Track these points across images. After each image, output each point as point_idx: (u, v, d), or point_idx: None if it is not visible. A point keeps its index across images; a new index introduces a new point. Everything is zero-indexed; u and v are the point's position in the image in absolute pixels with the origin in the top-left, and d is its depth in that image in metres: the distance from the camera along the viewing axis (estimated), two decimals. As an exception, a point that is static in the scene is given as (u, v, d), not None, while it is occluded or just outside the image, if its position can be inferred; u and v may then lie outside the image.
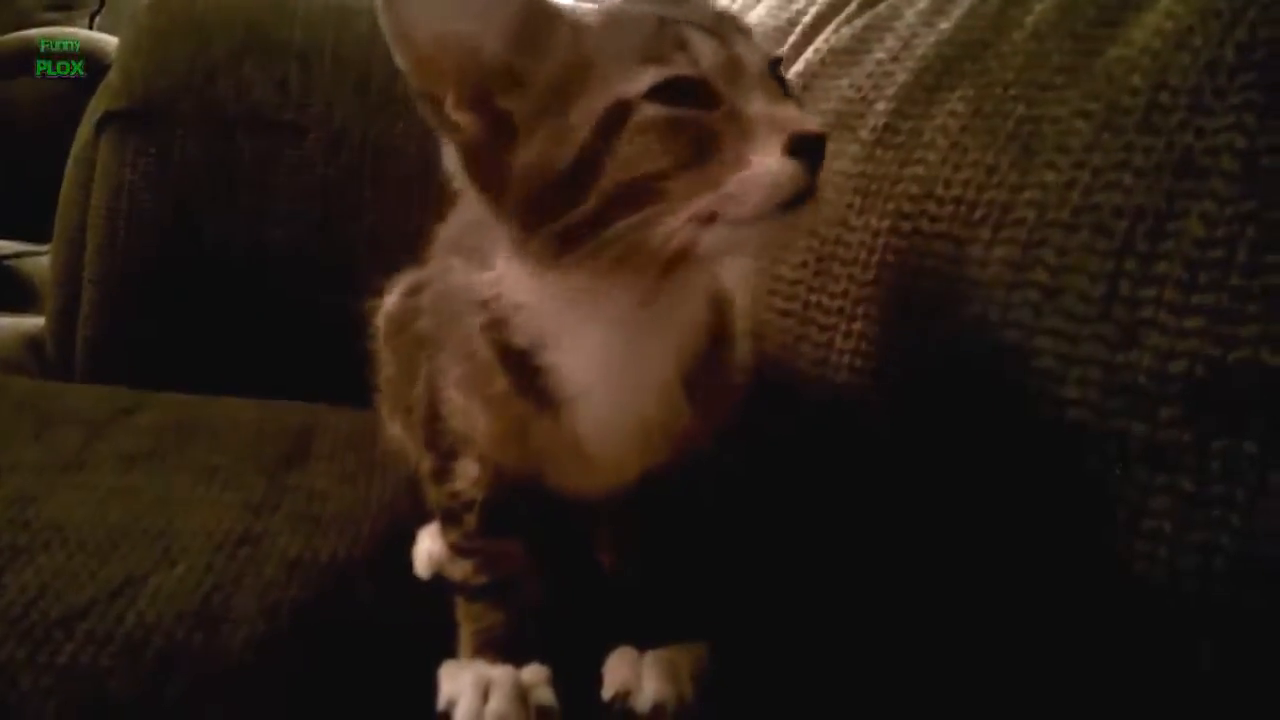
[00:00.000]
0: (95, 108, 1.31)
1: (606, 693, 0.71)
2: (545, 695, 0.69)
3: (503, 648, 0.72)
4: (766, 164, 0.60)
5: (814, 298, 0.80)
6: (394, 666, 0.73)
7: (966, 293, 0.68)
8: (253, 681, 0.72)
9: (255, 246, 1.26)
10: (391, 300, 0.87)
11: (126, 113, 1.26)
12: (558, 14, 0.65)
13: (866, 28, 0.85)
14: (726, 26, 0.64)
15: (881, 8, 0.85)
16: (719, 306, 0.71)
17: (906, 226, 0.73)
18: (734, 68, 0.62)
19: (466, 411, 0.71)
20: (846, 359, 0.75)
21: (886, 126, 0.78)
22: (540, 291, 0.66)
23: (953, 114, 0.73)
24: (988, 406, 0.66)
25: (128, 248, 1.28)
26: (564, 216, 0.62)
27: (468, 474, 0.75)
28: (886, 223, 0.75)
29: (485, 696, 0.68)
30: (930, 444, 0.69)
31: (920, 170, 0.74)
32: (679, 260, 0.61)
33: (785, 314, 0.82)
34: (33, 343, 1.46)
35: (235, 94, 1.27)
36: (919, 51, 0.79)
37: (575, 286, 0.64)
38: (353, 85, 1.29)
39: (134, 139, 1.26)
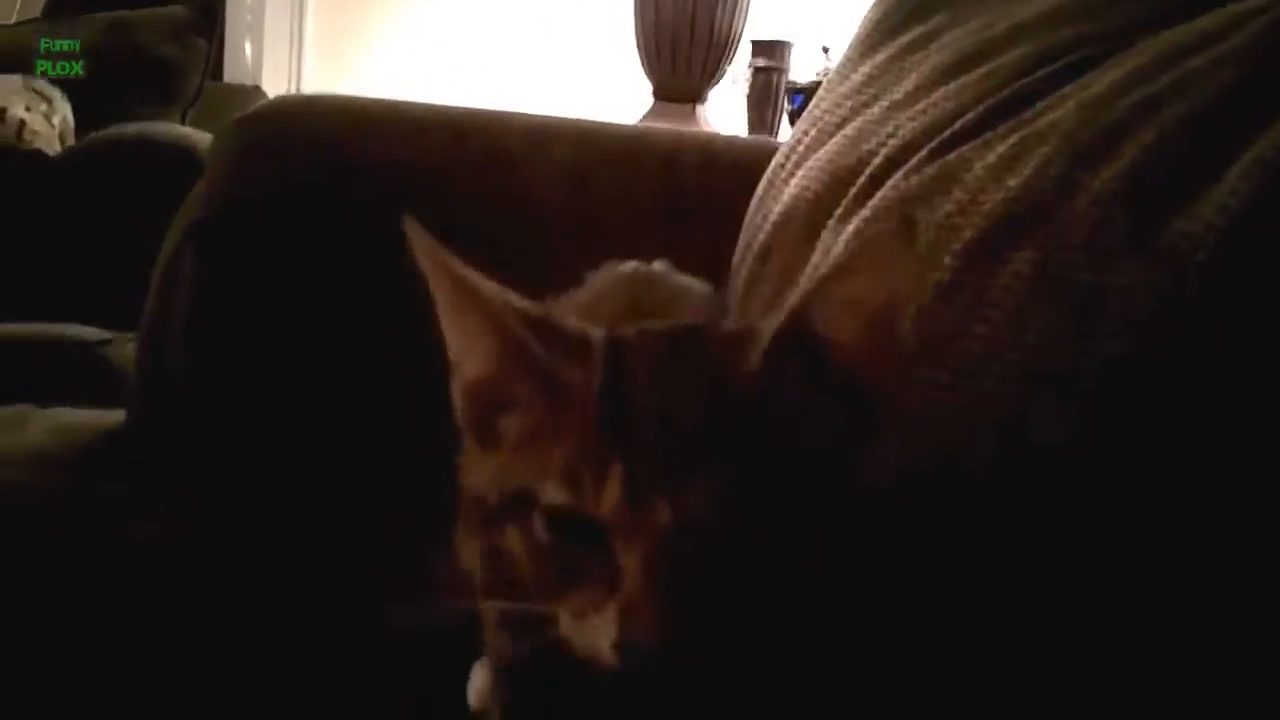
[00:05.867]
0: (181, 216, 1.34)
1: None
2: None
3: None
4: (592, 635, 0.58)
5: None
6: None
7: (1025, 456, 0.68)
8: None
9: (330, 367, 1.27)
10: None
11: (209, 225, 1.29)
12: (535, 362, 0.63)
13: (935, 178, 0.86)
14: (658, 464, 0.57)
15: (951, 157, 0.86)
16: None
17: (967, 385, 0.73)
18: (636, 524, 0.57)
19: None
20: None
21: (951, 283, 0.78)
22: None
23: (1017, 275, 0.74)
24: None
25: (212, 356, 1.31)
26: None
27: None
28: (946, 379, 0.75)
29: None
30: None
31: (983, 329, 0.74)
32: None
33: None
34: (115, 439, 1.48)
35: (313, 213, 1.29)
36: (986, 207, 0.79)
37: None
38: (424, 205, 1.31)
39: (216, 251, 1.29)
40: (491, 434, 0.65)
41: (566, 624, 0.59)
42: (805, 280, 0.62)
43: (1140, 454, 0.63)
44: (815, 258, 0.96)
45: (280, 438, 1.29)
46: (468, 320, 0.65)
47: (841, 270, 0.61)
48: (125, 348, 1.92)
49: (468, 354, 0.67)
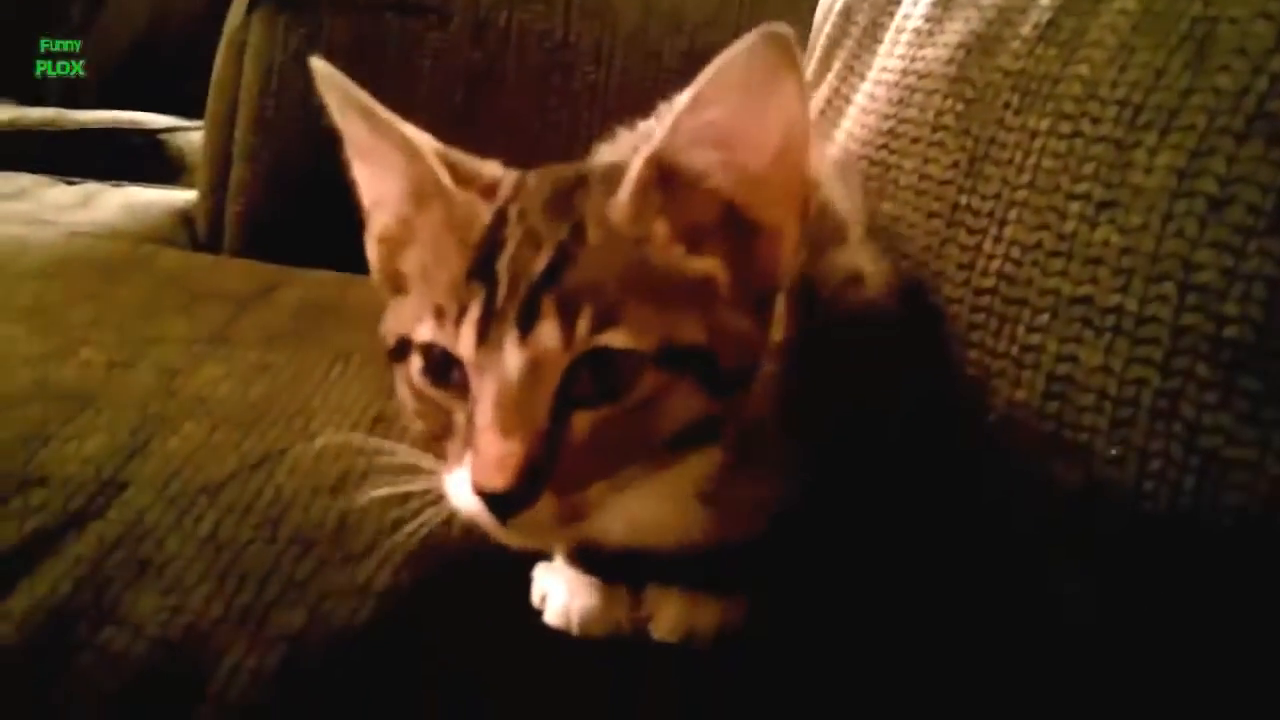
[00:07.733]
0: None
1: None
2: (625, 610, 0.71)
3: (591, 561, 0.72)
4: (459, 487, 0.57)
5: (964, 199, 0.77)
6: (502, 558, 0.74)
7: (1127, 200, 0.65)
8: (376, 562, 0.73)
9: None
10: None
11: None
12: (440, 191, 0.63)
13: (1033, -83, 0.81)
14: (513, 303, 0.56)
15: (1049, -103, 0.81)
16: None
17: (1066, 128, 0.70)
18: (487, 361, 0.56)
19: None
20: (996, 264, 0.73)
21: (1050, 23, 0.75)
22: None
23: (1122, 11, 0.70)
24: (1141, 317, 0.63)
25: (277, 127, 1.30)
26: None
27: None
28: (1045, 123, 0.72)
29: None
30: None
31: (1084, 70, 0.70)
32: None
33: (932, 215, 0.79)
34: (183, 216, 1.50)
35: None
36: (1088, -54, 0.75)
37: None
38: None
39: (284, 20, 1.27)
40: (399, 280, 0.65)
41: (444, 480, 0.60)
42: (668, 117, 0.58)
43: (1248, 192, 0.60)
44: (903, 9, 0.92)
45: (340, 204, 1.29)
46: (381, 155, 0.65)
47: (698, 102, 0.57)
48: (187, 135, 1.94)
49: (380, 194, 0.67)
